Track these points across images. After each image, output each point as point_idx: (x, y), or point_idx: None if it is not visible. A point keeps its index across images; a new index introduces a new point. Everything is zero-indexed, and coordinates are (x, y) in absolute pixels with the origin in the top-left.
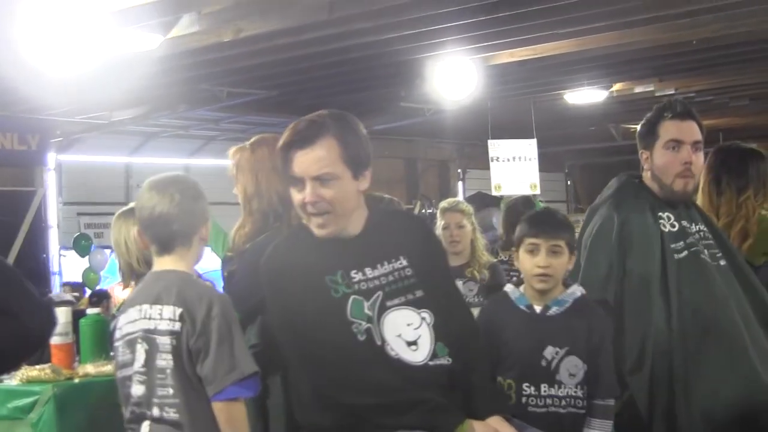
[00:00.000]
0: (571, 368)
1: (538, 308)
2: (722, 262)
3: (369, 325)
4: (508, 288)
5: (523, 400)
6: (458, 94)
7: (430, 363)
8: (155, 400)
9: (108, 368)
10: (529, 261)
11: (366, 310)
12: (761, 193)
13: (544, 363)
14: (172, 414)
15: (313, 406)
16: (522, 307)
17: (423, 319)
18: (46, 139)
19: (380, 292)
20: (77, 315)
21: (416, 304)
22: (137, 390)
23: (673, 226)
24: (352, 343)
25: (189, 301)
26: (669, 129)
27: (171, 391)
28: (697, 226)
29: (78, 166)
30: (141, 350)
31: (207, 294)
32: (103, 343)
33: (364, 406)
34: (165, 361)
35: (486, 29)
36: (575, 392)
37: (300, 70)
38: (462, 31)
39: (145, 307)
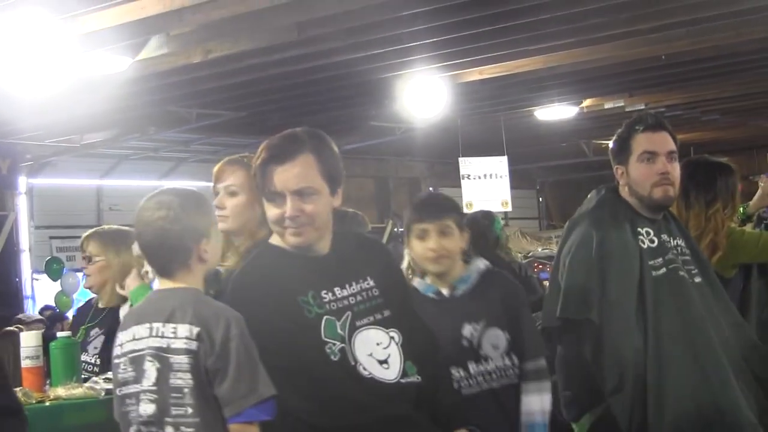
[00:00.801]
0: (493, 340)
1: (445, 292)
2: (697, 279)
3: (343, 345)
4: (416, 282)
5: (455, 386)
6: (428, 113)
7: (402, 381)
8: (169, 420)
9: (79, 391)
10: (420, 246)
11: (339, 330)
12: (730, 207)
13: (465, 343)
14: None
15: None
16: (431, 295)
17: (392, 338)
18: (17, 162)
19: (349, 312)
20: (48, 338)
21: (384, 324)
22: (147, 409)
23: (652, 242)
24: (326, 364)
25: (206, 321)
26: (642, 141)
27: (190, 410)
28: (675, 241)
29: (49, 190)
30: (152, 368)
31: (224, 313)
32: (74, 366)
33: (339, 428)
34: (182, 380)
35: (455, 47)
36: (503, 363)
37: (269, 90)
38: (431, 50)
39: (157, 325)
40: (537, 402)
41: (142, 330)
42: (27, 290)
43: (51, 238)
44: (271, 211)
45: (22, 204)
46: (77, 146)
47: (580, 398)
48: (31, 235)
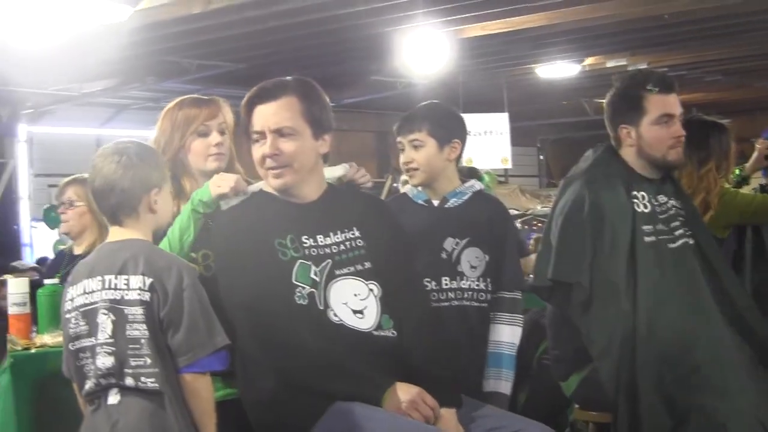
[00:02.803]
0: (472, 260)
1: (436, 202)
2: (691, 241)
3: (313, 290)
4: (406, 188)
5: None
6: (430, 68)
7: (375, 333)
8: (128, 371)
9: None
10: (400, 158)
11: (312, 275)
12: (723, 166)
13: (444, 255)
14: (150, 384)
15: (251, 376)
16: (420, 202)
17: (371, 290)
18: (17, 111)
19: (330, 260)
20: (35, 285)
21: (364, 275)
22: (105, 361)
23: (646, 207)
24: (291, 307)
25: (159, 271)
26: (658, 104)
27: (148, 360)
28: (671, 201)
29: (49, 138)
30: (107, 321)
31: (176, 263)
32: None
33: (294, 369)
34: (138, 331)
35: (457, 2)
36: (478, 285)
37: (270, 43)
38: (433, 4)
39: (109, 277)
40: (507, 333)
41: (93, 283)
42: (25, 238)
43: (50, 186)
44: (255, 152)
45: (21, 152)
46: (77, 95)
47: (567, 358)
48: (30, 183)
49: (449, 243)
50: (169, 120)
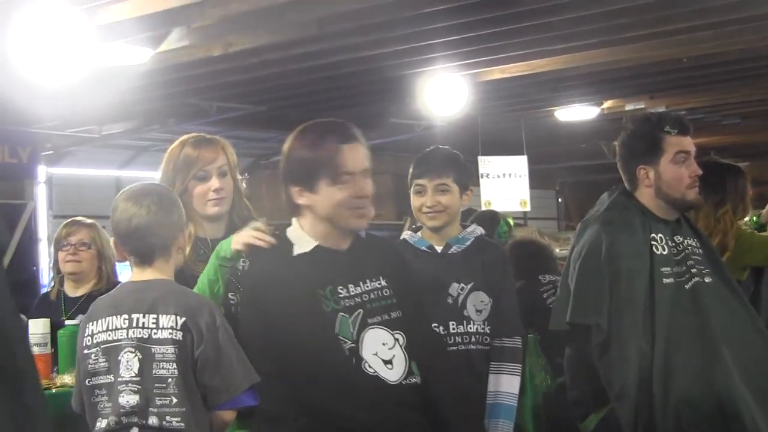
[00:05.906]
0: (477, 304)
1: (439, 248)
2: (707, 279)
3: (353, 344)
4: (405, 234)
5: None
6: (448, 111)
7: (404, 382)
8: (153, 410)
9: None
10: (417, 201)
11: (350, 329)
12: (740, 208)
13: (450, 300)
14: (175, 423)
15: (283, 418)
16: (423, 248)
17: (396, 340)
18: (37, 152)
19: (361, 310)
20: (56, 326)
21: (391, 325)
22: (129, 399)
23: (664, 249)
24: (340, 359)
25: (191, 311)
26: (675, 143)
27: (174, 399)
28: (687, 240)
29: (68, 179)
30: (133, 359)
31: (207, 303)
32: None
33: (352, 420)
34: (166, 370)
35: (476, 45)
36: (483, 329)
37: (289, 85)
38: (452, 47)
39: (137, 316)
40: (507, 383)
41: (118, 321)
42: (44, 279)
43: None
44: (341, 192)
45: (41, 193)
46: (97, 137)
47: (585, 399)
48: (50, 224)
49: (454, 288)
50: (172, 161)
